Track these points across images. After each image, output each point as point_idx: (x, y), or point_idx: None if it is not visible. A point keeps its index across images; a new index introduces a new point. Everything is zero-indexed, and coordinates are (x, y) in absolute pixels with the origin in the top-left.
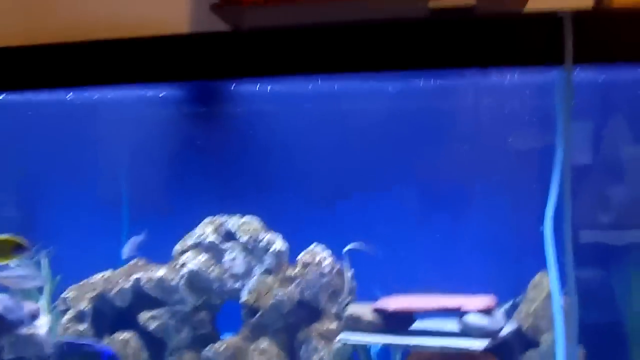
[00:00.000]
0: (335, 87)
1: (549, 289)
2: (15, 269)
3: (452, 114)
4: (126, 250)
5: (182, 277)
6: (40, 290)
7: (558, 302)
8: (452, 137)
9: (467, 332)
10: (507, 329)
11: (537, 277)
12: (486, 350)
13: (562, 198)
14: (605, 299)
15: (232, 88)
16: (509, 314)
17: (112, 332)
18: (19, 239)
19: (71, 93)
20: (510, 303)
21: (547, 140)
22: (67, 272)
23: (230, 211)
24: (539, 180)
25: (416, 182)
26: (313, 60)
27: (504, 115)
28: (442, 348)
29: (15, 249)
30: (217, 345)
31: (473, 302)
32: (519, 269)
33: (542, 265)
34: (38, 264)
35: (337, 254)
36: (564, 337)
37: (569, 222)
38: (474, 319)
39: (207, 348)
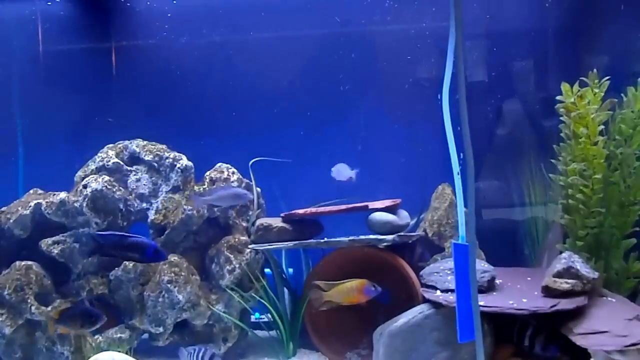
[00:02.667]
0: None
1: (451, 198)
2: None
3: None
4: None
5: (85, 197)
6: None
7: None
8: (347, 63)
9: (374, 227)
10: (414, 236)
11: (440, 187)
12: (393, 252)
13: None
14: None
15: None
16: (414, 226)
17: (12, 262)
18: None
19: None
20: (416, 217)
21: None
22: None
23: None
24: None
25: (320, 108)
26: None
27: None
28: (351, 241)
29: None
30: (126, 263)
31: (378, 203)
32: (422, 182)
33: (443, 177)
34: None
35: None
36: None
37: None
38: (380, 215)
39: (116, 269)
